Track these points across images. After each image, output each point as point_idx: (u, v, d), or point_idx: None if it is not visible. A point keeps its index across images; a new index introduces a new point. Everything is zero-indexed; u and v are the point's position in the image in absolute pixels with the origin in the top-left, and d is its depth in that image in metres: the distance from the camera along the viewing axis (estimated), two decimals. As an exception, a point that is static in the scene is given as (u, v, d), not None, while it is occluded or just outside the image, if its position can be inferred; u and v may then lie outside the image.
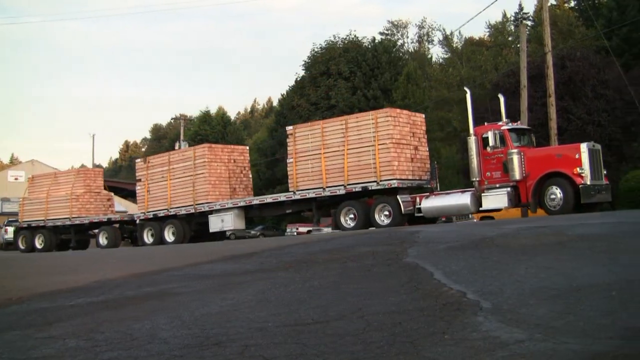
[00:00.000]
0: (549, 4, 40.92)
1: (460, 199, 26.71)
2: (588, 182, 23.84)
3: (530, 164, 25.20)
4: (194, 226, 34.99)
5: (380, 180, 27.51)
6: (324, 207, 31.03)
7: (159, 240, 34.74)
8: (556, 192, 24.21)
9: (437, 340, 7.59)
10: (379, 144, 27.73)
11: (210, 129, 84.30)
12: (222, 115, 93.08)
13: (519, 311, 8.46)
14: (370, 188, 27.94)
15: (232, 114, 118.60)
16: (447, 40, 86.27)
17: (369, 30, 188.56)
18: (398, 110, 29.77)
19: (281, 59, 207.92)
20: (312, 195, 29.50)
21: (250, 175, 37.19)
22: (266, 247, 19.48)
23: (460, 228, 20.77)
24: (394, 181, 27.25)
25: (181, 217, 34.70)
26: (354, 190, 28.30)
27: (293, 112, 70.17)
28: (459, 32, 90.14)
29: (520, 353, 6.86)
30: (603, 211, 25.33)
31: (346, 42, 72.63)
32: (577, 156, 24.26)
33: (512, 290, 9.56)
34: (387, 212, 27.50)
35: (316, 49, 73.10)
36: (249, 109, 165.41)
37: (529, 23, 76.16)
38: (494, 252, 13.04)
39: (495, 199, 25.69)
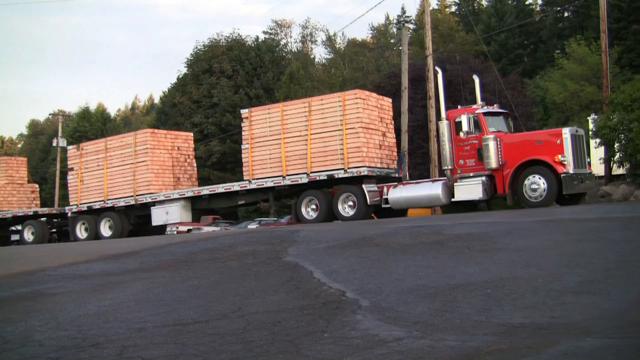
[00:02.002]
0: (430, 8, 41.61)
1: (431, 189, 24.67)
2: (571, 171, 21.98)
3: (508, 151, 23.15)
4: (133, 219, 32.43)
5: (348, 168, 25.44)
6: (282, 197, 29.52)
7: (94, 234, 31.97)
8: (539, 182, 22.17)
9: (317, 338, 7.62)
10: (346, 129, 25.61)
11: (90, 125, 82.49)
12: (102, 112, 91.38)
13: (397, 309, 8.57)
14: (336, 176, 25.88)
15: (112, 111, 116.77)
16: (330, 41, 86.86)
17: (253, 29, 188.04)
18: (367, 93, 27.79)
19: (164, 55, 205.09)
20: (270, 184, 27.27)
21: (195, 164, 34.83)
22: (146, 246, 19.16)
23: (340, 227, 20.91)
24: (364, 169, 25.23)
25: (119, 210, 32.06)
26: (318, 178, 26.20)
27: (175, 109, 69.43)
28: (342, 33, 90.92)
29: (398, 350, 6.94)
30: (481, 211, 25.57)
31: (230, 40, 72.24)
32: (558, 142, 22.32)
33: (391, 289, 9.68)
34: (351, 203, 25.59)
35: (199, 47, 72.53)
36: (129, 106, 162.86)
37: (411, 26, 77.50)
38: (374, 251, 13.19)
39: (469, 189, 23.63)
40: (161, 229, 33.16)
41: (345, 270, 11.45)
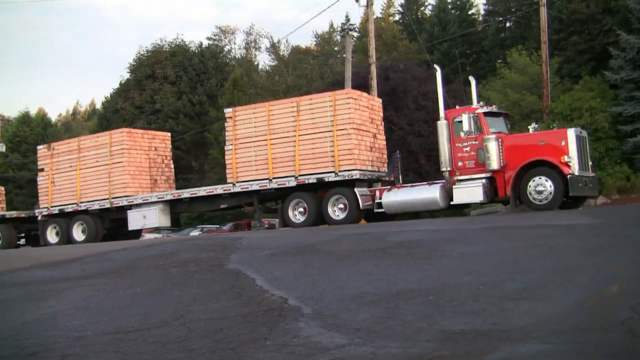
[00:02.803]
0: (374, 17, 41.86)
1: (428, 192, 23.34)
2: (576, 173, 20.89)
3: (509, 152, 21.95)
4: (107, 223, 30.50)
5: (340, 171, 24.13)
6: (267, 200, 27.78)
7: (66, 239, 29.99)
8: (545, 184, 21.00)
9: (259, 346, 7.60)
10: (337, 130, 24.34)
11: (30, 130, 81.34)
12: (42, 117, 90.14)
13: (340, 316, 8.58)
14: (327, 179, 24.50)
15: (53, 116, 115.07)
16: (274, 48, 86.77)
17: (197, 35, 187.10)
18: (359, 93, 26.48)
19: (106, 60, 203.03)
20: (255, 187, 25.78)
21: (172, 166, 32.95)
22: (88, 252, 18.95)
23: (283, 234, 20.90)
24: (356, 172, 23.93)
25: (93, 213, 30.02)
26: (307, 181, 24.79)
27: (117, 115, 68.71)
28: (286, 40, 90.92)
29: (340, 357, 6.95)
30: (425, 218, 25.64)
31: (173, 46, 71.83)
32: (563, 143, 21.21)
33: (333, 296, 9.69)
34: (342, 206, 24.22)
35: (142, 52, 71.98)
36: (71, 111, 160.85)
37: (355, 34, 77.71)
38: (317, 258, 13.20)
39: (469, 192, 22.40)
40: (137, 234, 31.83)
41: (288, 278, 11.45)
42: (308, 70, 71.34)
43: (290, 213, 25.03)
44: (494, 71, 51.82)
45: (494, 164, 21.74)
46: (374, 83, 37.28)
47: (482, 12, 76.15)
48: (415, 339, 7.40)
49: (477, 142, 22.40)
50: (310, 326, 8.22)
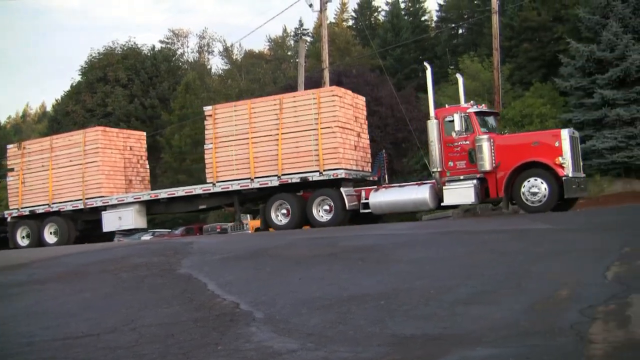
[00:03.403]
0: (327, 22, 41.95)
1: (418, 192, 22.81)
2: (570, 174, 20.61)
3: (501, 152, 21.45)
4: (80, 225, 29.41)
5: (324, 170, 23.58)
6: (249, 201, 26.92)
7: (37, 241, 28.90)
8: (540, 186, 20.60)
9: (210, 351, 7.56)
10: (322, 128, 23.77)
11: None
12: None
13: (291, 321, 8.57)
14: (311, 179, 23.90)
15: (1, 118, 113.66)
16: (227, 52, 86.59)
17: (149, 38, 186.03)
18: (343, 90, 25.81)
19: (57, 62, 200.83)
20: (236, 187, 25.03)
21: (148, 166, 32.20)
22: (37, 257, 18.72)
23: (235, 239, 20.84)
24: (341, 171, 23.44)
25: (65, 214, 29.05)
26: (290, 181, 24.19)
27: (67, 118, 68.05)
28: (240, 44, 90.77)
29: (292, 362, 6.96)
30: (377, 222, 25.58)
31: (125, 48, 71.36)
32: (556, 144, 20.81)
33: (285, 301, 9.68)
34: (327, 207, 23.68)
35: (94, 54, 71.38)
36: (20, 113, 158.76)
37: (308, 39, 77.81)
38: (269, 262, 13.18)
39: (460, 193, 21.81)
40: (109, 236, 30.81)
41: (239, 282, 11.41)
42: (261, 75, 71.38)
43: (272, 214, 24.42)
44: (446, 77, 52.17)
45: (487, 164, 21.33)
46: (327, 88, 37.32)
47: (435, 18, 76.72)
48: (366, 343, 7.41)
49: (468, 142, 21.94)
50: (262, 331, 8.20)
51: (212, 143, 25.65)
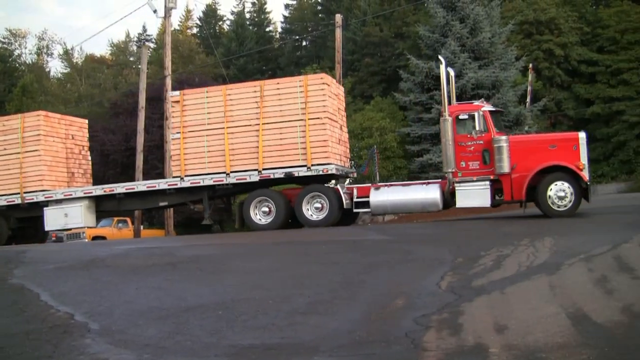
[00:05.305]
0: (172, 29, 41.63)
1: (428, 193, 21.39)
2: (588, 179, 19.83)
3: (517, 154, 20.45)
4: (14, 222, 26.01)
5: (312, 165, 21.70)
6: (218, 197, 24.75)
7: None
8: (567, 190, 19.66)
9: (42, 364, 7.34)
10: (310, 119, 21.91)
11: None
12: None
13: (128, 332, 8.41)
14: (297, 174, 22.02)
15: None
16: (67, 55, 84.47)
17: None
18: (330, 78, 24.12)
19: None
20: (209, 182, 22.69)
21: (90, 158, 28.59)
22: None
23: (70, 248, 20.30)
24: (332, 166, 21.71)
25: None
26: (272, 176, 22.17)
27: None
28: (80, 48, 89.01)
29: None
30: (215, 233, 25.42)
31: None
32: (574, 148, 19.96)
33: (121, 311, 9.49)
34: (318, 205, 21.77)
35: None
36: None
37: (152, 45, 77.02)
38: (105, 272, 12.89)
39: (475, 195, 20.74)
40: (42, 236, 27.78)
41: (74, 293, 11.10)
42: (102, 80, 70.12)
43: (251, 213, 22.20)
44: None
45: (505, 166, 20.38)
46: (168, 95, 37.00)
47: (279, 29, 77.49)
48: (204, 354, 7.36)
49: (482, 142, 20.90)
50: (97, 342, 8.00)
51: (179, 132, 23.21)
